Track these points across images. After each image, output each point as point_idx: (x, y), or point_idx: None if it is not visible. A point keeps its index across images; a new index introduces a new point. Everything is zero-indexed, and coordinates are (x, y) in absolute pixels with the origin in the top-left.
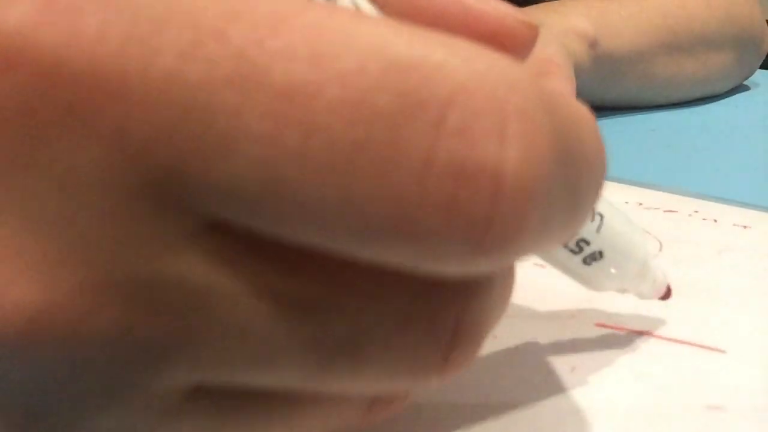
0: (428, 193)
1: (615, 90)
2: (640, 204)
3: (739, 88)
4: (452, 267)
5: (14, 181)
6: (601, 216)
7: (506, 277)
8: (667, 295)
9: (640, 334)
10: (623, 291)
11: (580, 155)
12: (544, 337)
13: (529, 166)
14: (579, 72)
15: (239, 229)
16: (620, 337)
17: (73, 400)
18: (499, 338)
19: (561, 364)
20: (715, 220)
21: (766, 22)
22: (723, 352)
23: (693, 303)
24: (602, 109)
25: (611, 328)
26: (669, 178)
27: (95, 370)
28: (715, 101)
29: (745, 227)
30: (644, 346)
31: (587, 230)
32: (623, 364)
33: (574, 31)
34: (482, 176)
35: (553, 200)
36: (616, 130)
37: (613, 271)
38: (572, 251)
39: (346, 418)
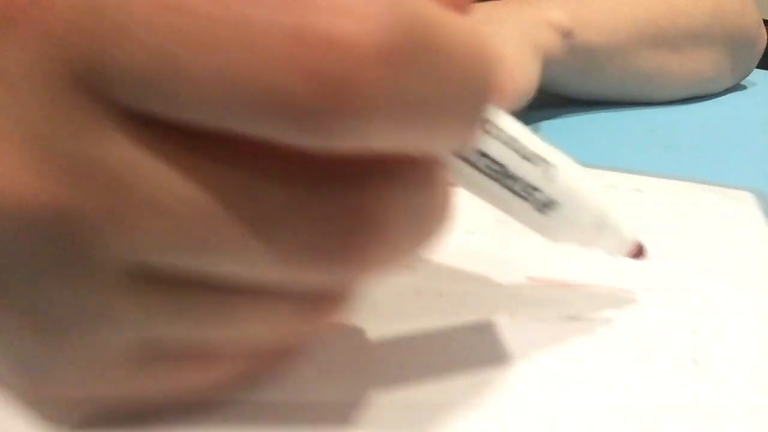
0: (295, 63)
1: (594, 82)
2: None
3: (736, 87)
4: (321, 134)
5: None
6: (548, 163)
7: (428, 186)
8: (639, 253)
9: (565, 285)
10: (585, 244)
11: (443, 59)
12: (484, 292)
13: (381, 43)
14: (552, 62)
15: (151, 115)
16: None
17: (30, 274)
18: (445, 296)
19: (500, 314)
20: (614, 186)
21: (763, 22)
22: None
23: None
24: (594, 102)
25: (543, 280)
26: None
27: (42, 244)
28: (710, 99)
29: (640, 191)
30: (568, 293)
31: (533, 176)
32: (552, 312)
33: (547, 21)
34: (340, 46)
35: (406, 81)
36: (608, 123)
37: (569, 220)
38: (521, 197)
39: (286, 319)
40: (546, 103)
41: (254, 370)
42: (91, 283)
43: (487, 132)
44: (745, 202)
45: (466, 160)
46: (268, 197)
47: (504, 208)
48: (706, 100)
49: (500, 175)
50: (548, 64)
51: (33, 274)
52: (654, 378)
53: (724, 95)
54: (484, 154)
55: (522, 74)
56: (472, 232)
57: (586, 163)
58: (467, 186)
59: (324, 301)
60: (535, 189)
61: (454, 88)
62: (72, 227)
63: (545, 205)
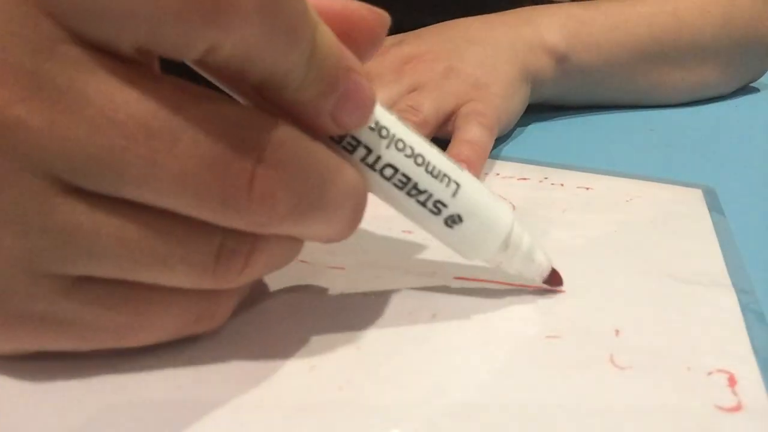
0: None
1: (588, 98)
2: (497, 174)
3: (746, 89)
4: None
5: None
6: (458, 184)
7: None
8: (555, 280)
9: (494, 283)
10: (495, 264)
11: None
12: (408, 289)
13: None
14: (543, 85)
15: (96, 41)
16: (476, 287)
17: None
18: (371, 297)
19: (423, 311)
20: (562, 184)
21: None
22: (563, 291)
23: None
24: (591, 107)
25: (468, 280)
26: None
27: None
28: (719, 101)
29: (587, 188)
30: (494, 292)
31: (443, 194)
32: (478, 310)
33: (542, 46)
34: None
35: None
36: (610, 125)
37: (474, 236)
38: (432, 212)
39: (198, 269)
40: (543, 105)
41: (205, 314)
42: (28, 188)
43: (400, 150)
44: (693, 198)
45: (379, 172)
46: (182, 129)
47: (419, 223)
48: (709, 101)
49: (410, 188)
50: (539, 88)
51: None
52: (572, 378)
53: (730, 96)
54: (395, 169)
55: (506, 107)
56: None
57: (579, 166)
58: (384, 198)
59: (234, 250)
60: (444, 205)
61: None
62: (17, 134)
63: (452, 220)
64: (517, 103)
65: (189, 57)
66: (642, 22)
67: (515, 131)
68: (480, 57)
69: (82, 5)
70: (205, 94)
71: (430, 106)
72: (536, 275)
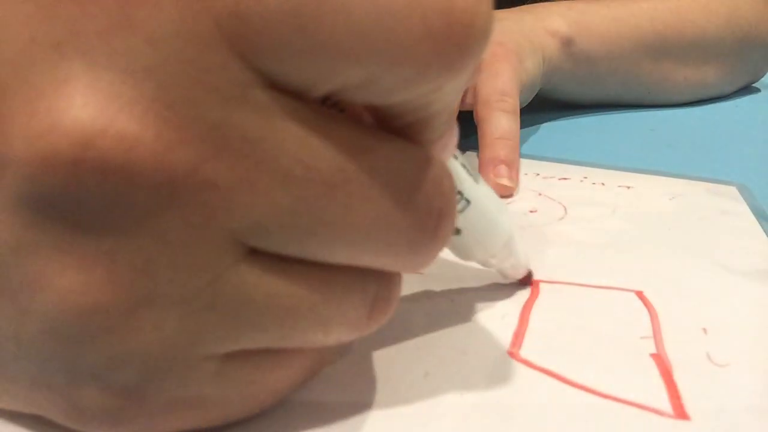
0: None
1: (595, 92)
2: (537, 174)
3: (747, 89)
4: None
5: (116, 38)
6: (468, 201)
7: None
8: (527, 279)
9: (570, 284)
10: (486, 265)
11: None
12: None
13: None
14: (553, 67)
15: (287, 82)
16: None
17: (153, 234)
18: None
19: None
20: (603, 183)
21: None
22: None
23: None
24: (593, 106)
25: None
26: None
27: (169, 207)
28: (720, 101)
29: (628, 187)
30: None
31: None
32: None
33: (545, 29)
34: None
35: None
36: (617, 124)
37: (473, 247)
38: None
39: (353, 326)
40: (547, 104)
41: (318, 367)
42: (203, 259)
43: None
44: (730, 195)
45: None
46: (386, 175)
47: None
48: (711, 102)
49: None
50: (549, 72)
51: (157, 234)
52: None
53: (731, 96)
54: None
55: (524, 66)
56: None
57: (584, 162)
58: None
59: (388, 299)
60: None
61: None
62: (205, 193)
63: (453, 231)
64: (531, 67)
65: (382, 103)
66: (644, 16)
67: (530, 129)
68: None
69: (292, 43)
70: (383, 133)
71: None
72: (515, 275)
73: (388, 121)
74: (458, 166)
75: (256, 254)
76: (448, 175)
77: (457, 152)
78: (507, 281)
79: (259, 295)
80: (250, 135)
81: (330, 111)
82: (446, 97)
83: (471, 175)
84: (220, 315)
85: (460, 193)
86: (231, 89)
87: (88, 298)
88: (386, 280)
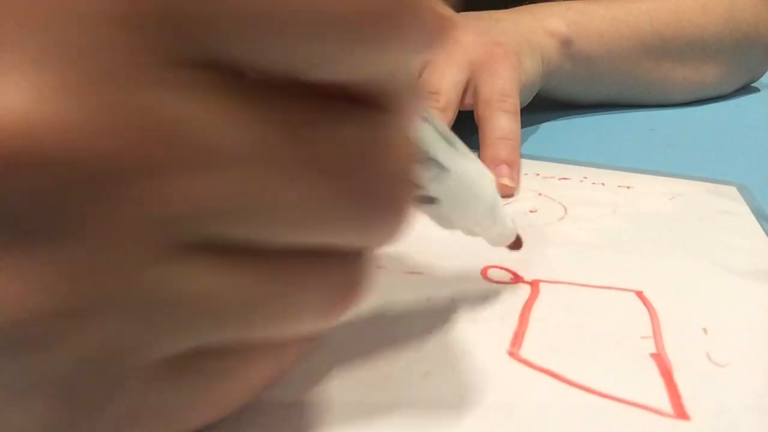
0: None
1: (595, 91)
2: (537, 174)
3: (747, 89)
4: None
5: (36, 16)
6: (442, 167)
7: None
8: (516, 244)
9: (569, 284)
10: (472, 234)
11: None
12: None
13: None
14: (552, 67)
15: (218, 62)
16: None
17: (77, 213)
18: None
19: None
20: (603, 183)
21: None
22: (633, 291)
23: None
24: (593, 106)
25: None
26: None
27: (80, 193)
28: (720, 101)
29: (628, 187)
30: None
31: (421, 176)
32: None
33: (545, 29)
34: None
35: None
36: (616, 124)
37: (452, 215)
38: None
39: (319, 302)
40: (547, 104)
41: (288, 364)
42: (134, 255)
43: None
44: (731, 195)
45: None
46: (323, 148)
47: None
48: (710, 102)
49: None
50: (548, 72)
51: (82, 235)
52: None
53: (730, 96)
54: None
55: (524, 66)
56: None
57: (584, 162)
58: None
59: (354, 282)
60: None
61: None
62: (127, 185)
63: (428, 201)
64: (530, 67)
65: (316, 78)
66: (643, 16)
67: (530, 129)
68: (484, 27)
69: (220, 16)
70: (330, 105)
71: (447, 84)
72: (503, 243)
73: (342, 94)
74: (430, 132)
75: (197, 247)
76: (406, 143)
77: (434, 118)
78: (496, 246)
79: (202, 291)
80: (169, 116)
81: (271, 88)
82: (390, 65)
83: (447, 140)
84: (163, 315)
85: (433, 159)
86: (146, 70)
87: (23, 306)
88: (351, 261)
